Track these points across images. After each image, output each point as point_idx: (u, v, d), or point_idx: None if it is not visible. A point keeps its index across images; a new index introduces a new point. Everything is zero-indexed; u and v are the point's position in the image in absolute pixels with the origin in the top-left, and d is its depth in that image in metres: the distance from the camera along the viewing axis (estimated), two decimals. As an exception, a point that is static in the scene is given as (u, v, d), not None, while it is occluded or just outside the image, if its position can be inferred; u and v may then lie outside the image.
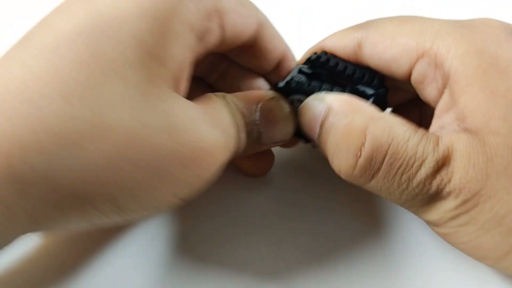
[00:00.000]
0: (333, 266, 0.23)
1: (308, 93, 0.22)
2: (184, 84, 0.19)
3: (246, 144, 0.21)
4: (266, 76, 0.26)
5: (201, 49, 0.20)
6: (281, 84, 0.23)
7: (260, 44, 0.24)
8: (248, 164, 0.26)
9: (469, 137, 0.18)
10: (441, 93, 0.21)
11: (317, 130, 0.20)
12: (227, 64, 0.26)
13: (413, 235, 0.24)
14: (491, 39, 0.20)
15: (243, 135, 0.20)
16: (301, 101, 0.22)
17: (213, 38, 0.20)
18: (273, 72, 0.25)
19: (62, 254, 0.23)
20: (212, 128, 0.18)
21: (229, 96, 0.21)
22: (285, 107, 0.21)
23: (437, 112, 0.21)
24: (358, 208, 0.26)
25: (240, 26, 0.21)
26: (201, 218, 0.25)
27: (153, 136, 0.16)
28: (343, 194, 0.26)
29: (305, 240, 0.24)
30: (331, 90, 0.22)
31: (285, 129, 0.21)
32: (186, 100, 0.18)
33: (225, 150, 0.19)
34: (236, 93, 0.21)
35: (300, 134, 0.23)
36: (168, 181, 0.17)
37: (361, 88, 0.23)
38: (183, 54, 0.18)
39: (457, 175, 0.18)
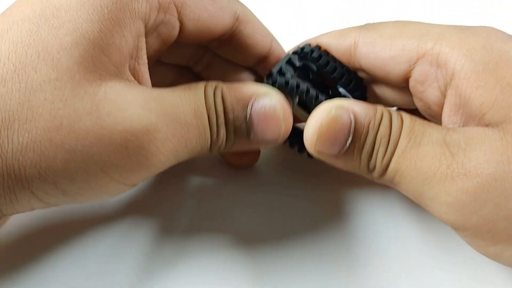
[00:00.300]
0: (320, 256, 0.23)
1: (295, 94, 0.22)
2: (142, 70, 0.19)
3: (234, 139, 0.20)
4: (254, 68, 0.26)
5: (158, 41, 0.21)
6: (268, 80, 0.22)
7: (239, 39, 0.23)
8: (234, 156, 0.26)
9: (491, 131, 0.18)
10: (443, 94, 0.21)
11: (350, 139, 0.19)
12: (212, 55, 0.25)
13: (402, 229, 0.24)
14: (495, 37, 0.20)
15: (222, 130, 0.20)
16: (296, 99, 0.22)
17: (171, 31, 0.21)
18: (260, 65, 0.25)
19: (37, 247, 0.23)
20: (146, 112, 0.17)
21: (222, 86, 0.20)
22: (278, 107, 0.20)
23: (445, 115, 0.21)
24: (344, 199, 0.25)
25: (205, 21, 0.21)
26: (189, 210, 0.25)
27: (78, 119, 0.16)
28: (330, 185, 0.26)
29: (294, 230, 0.24)
30: (316, 94, 0.22)
31: (277, 130, 0.21)
32: (127, 84, 0.18)
33: (172, 137, 0.18)
34: (232, 84, 0.21)
35: (294, 143, 0.23)
36: (102, 166, 0.17)
37: (343, 92, 0.24)
38: (129, 43, 0.18)
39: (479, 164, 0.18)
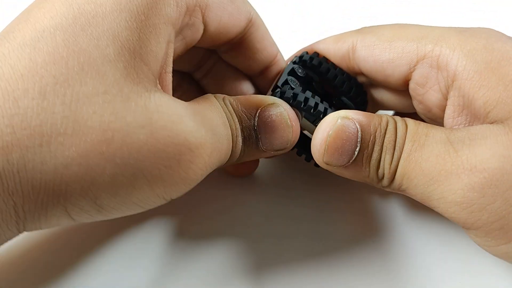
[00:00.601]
0: (321, 263, 0.23)
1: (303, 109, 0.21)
2: (167, 79, 0.19)
3: (244, 149, 0.20)
4: (253, 80, 0.26)
5: (182, 45, 0.20)
6: (276, 91, 0.22)
7: (249, 42, 0.23)
8: (233, 165, 0.26)
9: (496, 126, 0.18)
10: (444, 96, 0.21)
11: (357, 149, 0.19)
12: (214, 62, 0.25)
13: (404, 232, 0.24)
14: (495, 38, 0.20)
15: (240, 139, 0.20)
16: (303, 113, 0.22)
17: (195, 34, 0.20)
18: (261, 76, 0.25)
19: (59, 249, 0.23)
20: (197, 125, 0.17)
21: (229, 98, 0.20)
22: (285, 114, 0.21)
23: (449, 117, 0.21)
24: (344, 204, 0.25)
25: (225, 22, 0.21)
26: (192, 218, 0.25)
27: (132, 133, 0.16)
28: (330, 191, 0.26)
29: (295, 238, 0.24)
30: (325, 107, 0.22)
31: (285, 137, 0.21)
32: (169, 96, 0.18)
33: (214, 150, 0.18)
34: (238, 96, 0.21)
35: (302, 151, 0.23)
36: (150, 180, 0.16)
37: (346, 101, 0.24)
38: (162, 50, 0.18)
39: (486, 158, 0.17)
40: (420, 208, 0.24)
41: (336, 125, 0.19)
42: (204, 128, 0.18)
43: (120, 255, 0.23)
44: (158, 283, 0.22)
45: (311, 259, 0.23)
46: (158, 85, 0.18)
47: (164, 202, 0.18)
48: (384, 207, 0.25)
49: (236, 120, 0.20)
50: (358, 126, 0.19)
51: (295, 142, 0.21)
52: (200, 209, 0.25)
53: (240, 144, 0.20)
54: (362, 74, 0.24)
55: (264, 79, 0.25)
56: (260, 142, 0.20)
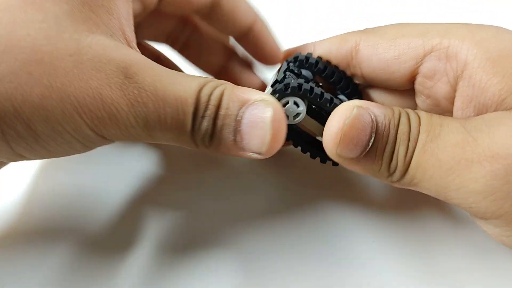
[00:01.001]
0: (320, 262, 0.23)
1: (308, 100, 0.21)
2: (130, 36, 0.20)
3: (220, 137, 0.19)
4: (238, 41, 0.27)
5: (140, 6, 0.22)
6: (279, 85, 0.21)
7: (219, 14, 0.24)
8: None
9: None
10: (453, 88, 0.20)
11: (372, 140, 0.19)
12: (189, 33, 0.26)
13: (404, 233, 0.24)
14: (502, 30, 0.20)
15: (206, 121, 0.19)
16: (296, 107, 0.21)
17: None
18: (244, 38, 0.26)
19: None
20: (116, 68, 0.18)
21: (226, 86, 0.19)
22: (268, 116, 0.19)
23: (458, 109, 0.20)
24: (345, 208, 0.25)
25: None
26: (195, 213, 0.25)
27: (60, 58, 0.17)
28: (331, 195, 0.26)
29: (294, 238, 0.24)
30: (330, 99, 0.21)
31: (261, 139, 0.19)
32: (121, 44, 0.19)
33: (134, 102, 0.18)
34: (239, 87, 0.20)
35: (315, 154, 0.23)
36: (77, 107, 0.17)
37: (343, 98, 0.24)
38: (118, 6, 0.19)
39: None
40: (420, 210, 0.24)
41: (352, 114, 0.19)
42: (124, 74, 0.18)
43: (113, 255, 0.23)
44: (155, 281, 0.22)
45: (310, 258, 0.23)
46: (123, 40, 0.19)
47: (100, 140, 0.18)
48: (385, 209, 0.25)
49: (213, 104, 0.19)
50: (372, 116, 0.19)
51: (274, 151, 0.20)
52: (198, 206, 0.25)
53: (206, 126, 0.19)
54: (360, 76, 0.23)
55: (246, 41, 0.26)
56: (238, 136, 0.19)
